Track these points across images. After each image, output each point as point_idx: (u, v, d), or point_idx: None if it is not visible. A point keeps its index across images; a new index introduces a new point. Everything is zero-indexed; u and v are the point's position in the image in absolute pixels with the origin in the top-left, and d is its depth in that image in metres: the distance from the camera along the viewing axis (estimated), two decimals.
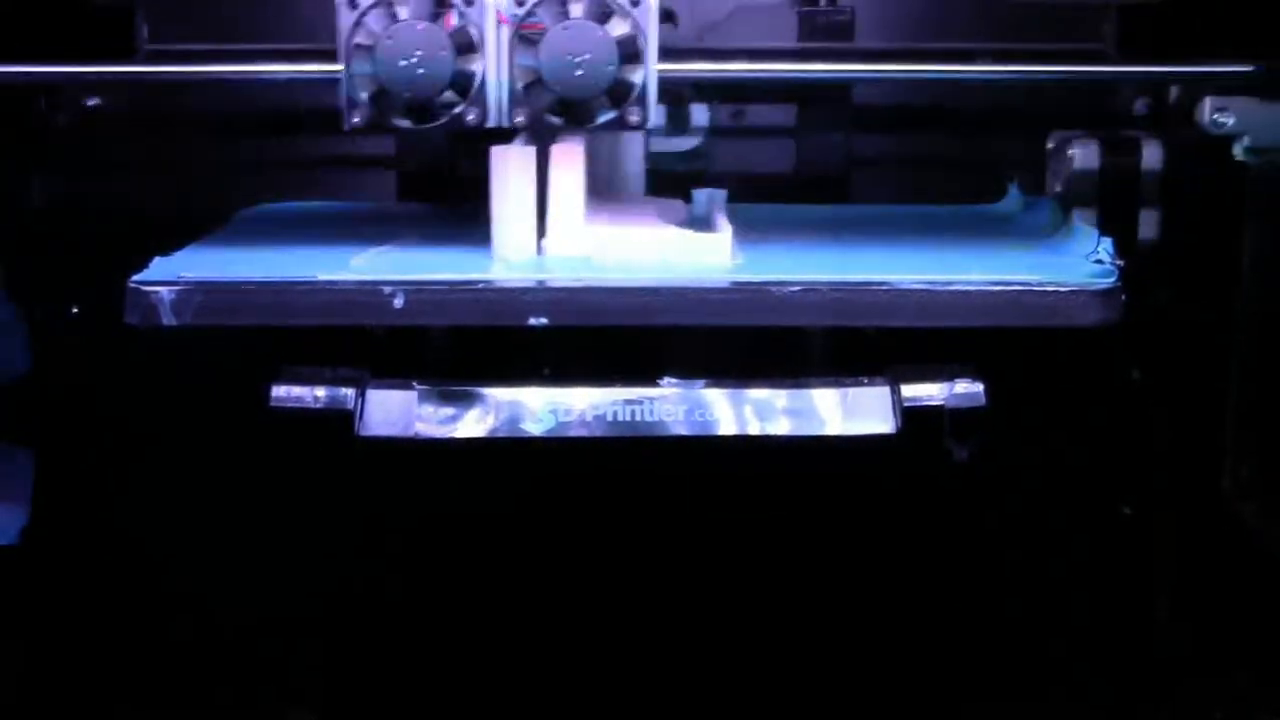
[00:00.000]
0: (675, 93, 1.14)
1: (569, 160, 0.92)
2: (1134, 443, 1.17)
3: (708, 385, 0.94)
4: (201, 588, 1.18)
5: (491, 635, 1.20)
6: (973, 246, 0.99)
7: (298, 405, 0.93)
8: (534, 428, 0.94)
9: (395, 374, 0.95)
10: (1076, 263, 0.92)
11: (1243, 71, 0.97)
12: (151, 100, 1.17)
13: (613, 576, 1.21)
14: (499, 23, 0.89)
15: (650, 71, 0.90)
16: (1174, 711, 1.13)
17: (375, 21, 0.88)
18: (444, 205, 1.14)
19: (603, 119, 0.90)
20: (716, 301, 0.88)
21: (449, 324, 0.96)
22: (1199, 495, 1.12)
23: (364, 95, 0.89)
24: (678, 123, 1.18)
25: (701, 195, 1.06)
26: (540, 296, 0.88)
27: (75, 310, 1.17)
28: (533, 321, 0.87)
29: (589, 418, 0.93)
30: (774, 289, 0.88)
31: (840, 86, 1.16)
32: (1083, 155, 1.09)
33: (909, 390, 0.94)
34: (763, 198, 1.14)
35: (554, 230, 0.93)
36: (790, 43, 1.14)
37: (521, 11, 0.89)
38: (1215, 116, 0.98)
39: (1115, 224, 1.05)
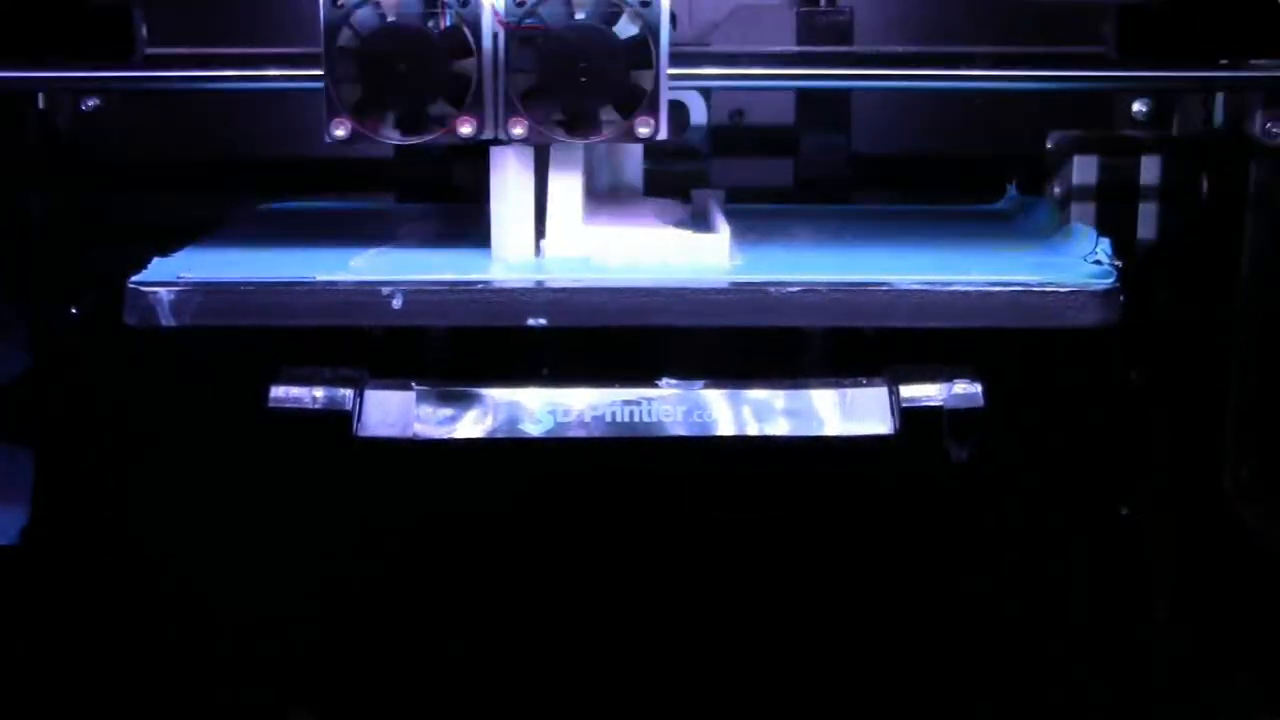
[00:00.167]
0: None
1: (568, 161, 0.92)
2: (1133, 443, 1.17)
3: (706, 386, 0.94)
4: (201, 587, 1.18)
5: (491, 636, 1.20)
6: (971, 247, 0.99)
7: (296, 406, 0.93)
8: (533, 428, 0.94)
9: (394, 374, 0.95)
10: (1075, 263, 0.92)
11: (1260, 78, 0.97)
12: (151, 100, 1.18)
13: (612, 577, 1.21)
14: (497, 24, 0.84)
15: (662, 78, 0.84)
16: (1174, 712, 1.13)
17: (360, 22, 0.82)
18: (443, 205, 1.14)
19: (610, 130, 0.86)
20: (715, 302, 0.88)
21: (448, 325, 0.96)
22: (1199, 496, 1.12)
23: (348, 105, 0.82)
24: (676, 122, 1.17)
25: (700, 195, 1.06)
26: (539, 297, 0.88)
27: (75, 310, 1.17)
28: (531, 322, 0.87)
29: (588, 418, 0.93)
30: (773, 289, 0.88)
31: None
32: (1082, 156, 1.09)
33: (907, 391, 0.94)
34: (762, 198, 1.14)
35: (553, 231, 0.93)
36: (789, 43, 1.13)
37: (521, 11, 0.84)
38: (1269, 126, 0.97)
39: (1114, 224, 1.06)
